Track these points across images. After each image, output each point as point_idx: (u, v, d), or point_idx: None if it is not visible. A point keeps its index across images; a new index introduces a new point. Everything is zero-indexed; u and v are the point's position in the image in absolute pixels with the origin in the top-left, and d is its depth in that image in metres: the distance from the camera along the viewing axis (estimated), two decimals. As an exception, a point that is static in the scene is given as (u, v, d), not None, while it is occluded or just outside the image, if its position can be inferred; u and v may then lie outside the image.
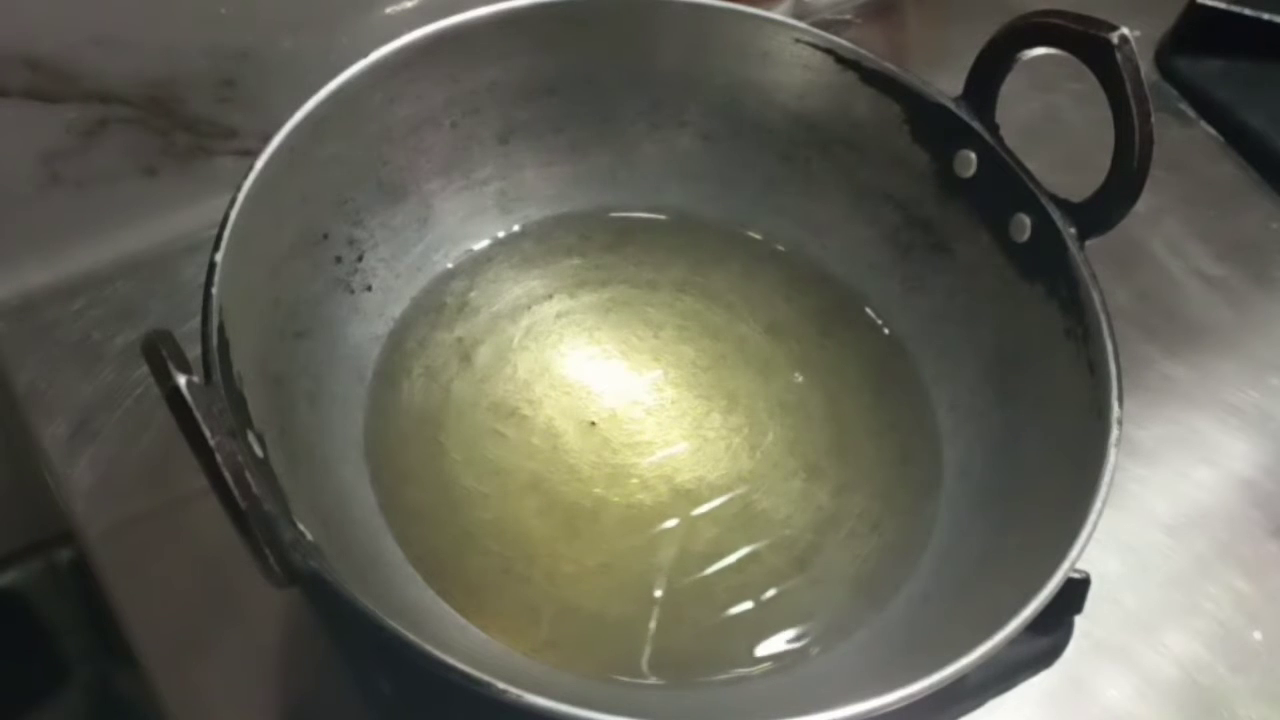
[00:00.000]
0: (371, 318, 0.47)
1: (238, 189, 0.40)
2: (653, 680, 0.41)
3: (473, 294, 0.50)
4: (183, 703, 0.43)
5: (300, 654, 0.44)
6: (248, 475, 0.32)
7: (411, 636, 0.33)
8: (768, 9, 0.50)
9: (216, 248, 0.39)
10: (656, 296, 0.51)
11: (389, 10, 0.53)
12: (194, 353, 0.34)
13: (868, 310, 0.51)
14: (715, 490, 0.46)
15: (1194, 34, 0.65)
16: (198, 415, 0.31)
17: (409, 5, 0.54)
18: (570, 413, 0.47)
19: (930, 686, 0.34)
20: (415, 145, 0.48)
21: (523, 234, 0.51)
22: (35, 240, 0.52)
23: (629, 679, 0.41)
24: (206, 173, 0.54)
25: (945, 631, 0.39)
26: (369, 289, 0.47)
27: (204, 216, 0.42)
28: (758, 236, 0.53)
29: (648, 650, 0.42)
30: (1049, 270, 0.45)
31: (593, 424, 0.47)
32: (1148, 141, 0.42)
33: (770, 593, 0.44)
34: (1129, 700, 0.45)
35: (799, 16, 0.54)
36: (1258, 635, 0.47)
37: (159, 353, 0.32)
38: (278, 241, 0.43)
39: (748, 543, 0.45)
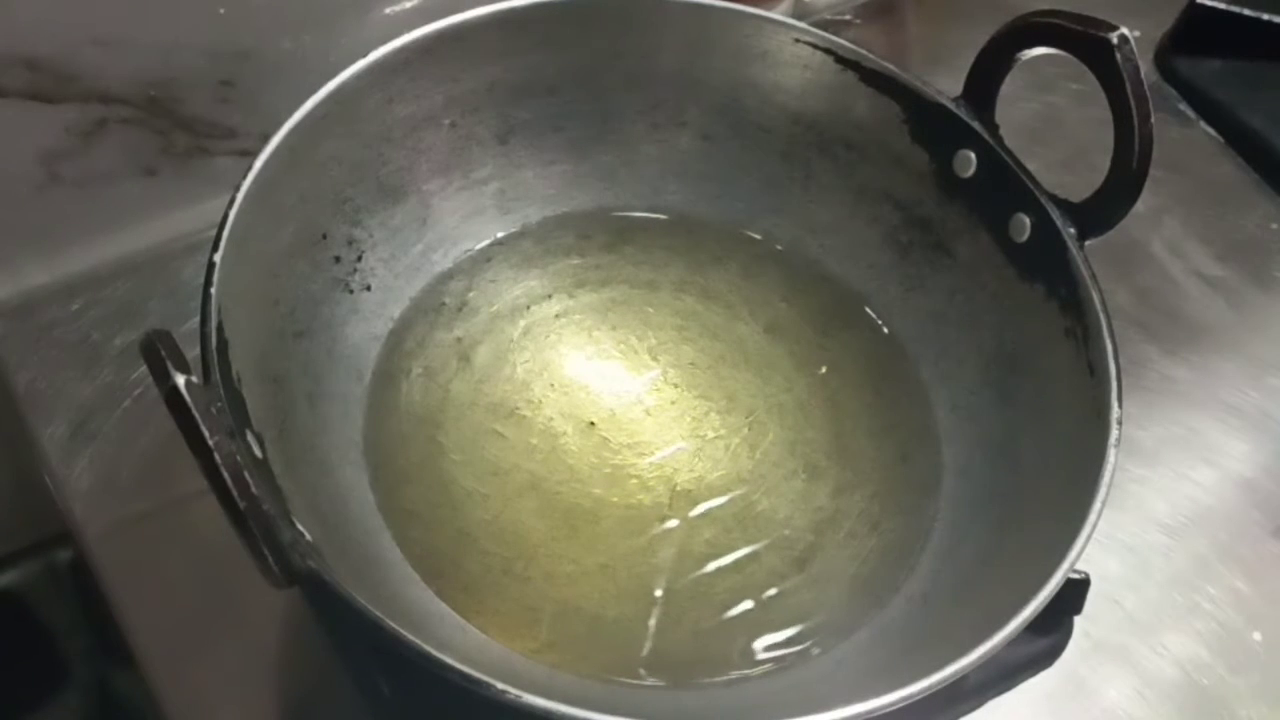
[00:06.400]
0: (370, 318, 0.47)
1: (237, 189, 0.40)
2: (652, 681, 0.41)
3: (472, 294, 0.50)
4: (182, 703, 0.43)
5: (300, 654, 0.44)
6: (246, 475, 0.32)
7: (410, 636, 0.33)
8: (768, 9, 0.50)
9: (215, 248, 0.39)
10: (656, 296, 0.51)
11: (389, 10, 0.53)
12: (193, 353, 0.34)
13: (868, 310, 0.51)
14: (715, 490, 0.46)
15: (1194, 34, 0.65)
16: (196, 415, 0.31)
17: (409, 5, 0.54)
18: (569, 413, 0.47)
19: (930, 686, 0.34)
20: (415, 145, 0.48)
21: (522, 234, 0.51)
22: (35, 240, 0.52)
23: (628, 679, 0.41)
24: (206, 173, 0.54)
25: (945, 631, 0.39)
26: (368, 289, 0.47)
27: (203, 216, 0.42)
28: (758, 236, 0.53)
29: (647, 650, 0.42)
30: (1049, 270, 0.45)
31: (592, 424, 0.47)
32: (1147, 141, 0.42)
33: (770, 593, 0.44)
34: (1129, 701, 0.45)
35: (799, 16, 0.54)
36: (1258, 636, 0.47)
37: (158, 353, 0.32)
38: (277, 241, 0.43)
39: (747, 543, 0.45)
